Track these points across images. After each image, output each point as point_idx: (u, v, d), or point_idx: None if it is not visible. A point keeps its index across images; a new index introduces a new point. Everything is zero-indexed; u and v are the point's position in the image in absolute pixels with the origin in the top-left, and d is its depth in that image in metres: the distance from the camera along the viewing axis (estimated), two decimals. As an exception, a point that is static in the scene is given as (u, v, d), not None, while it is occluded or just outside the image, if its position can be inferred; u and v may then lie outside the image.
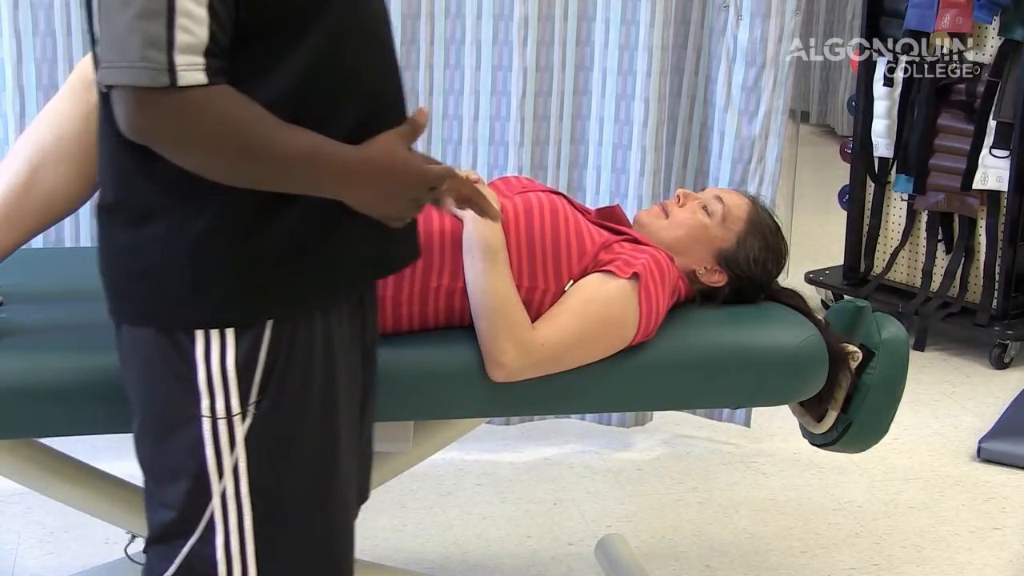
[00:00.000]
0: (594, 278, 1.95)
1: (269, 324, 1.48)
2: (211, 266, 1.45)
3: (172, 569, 1.55)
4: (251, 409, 1.49)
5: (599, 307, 1.92)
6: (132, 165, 1.45)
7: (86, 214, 2.91)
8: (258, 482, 1.52)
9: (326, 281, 1.52)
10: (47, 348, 1.80)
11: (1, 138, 2.85)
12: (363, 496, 1.77)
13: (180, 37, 1.32)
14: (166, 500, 1.55)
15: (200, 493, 1.51)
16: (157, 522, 1.56)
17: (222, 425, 1.49)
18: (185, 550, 1.54)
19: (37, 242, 2.57)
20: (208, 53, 1.34)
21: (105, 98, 1.40)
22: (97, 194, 1.56)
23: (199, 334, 1.47)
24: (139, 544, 2.13)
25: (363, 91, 1.50)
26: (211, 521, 1.52)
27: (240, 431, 1.50)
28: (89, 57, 1.86)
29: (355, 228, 1.51)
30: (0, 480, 2.09)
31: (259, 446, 1.51)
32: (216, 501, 1.52)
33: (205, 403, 1.49)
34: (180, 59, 1.32)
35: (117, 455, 2.76)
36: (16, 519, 2.76)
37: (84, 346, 1.80)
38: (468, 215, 1.91)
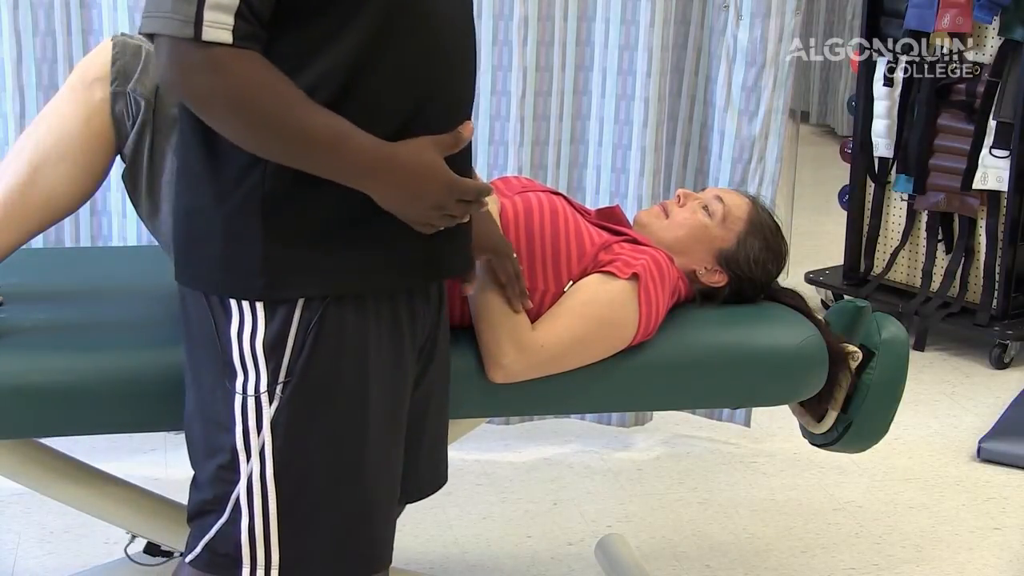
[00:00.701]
0: (594, 279, 1.95)
1: (299, 304, 1.51)
2: (244, 237, 1.49)
3: (199, 547, 1.59)
4: (278, 391, 1.52)
5: (599, 308, 1.92)
6: (190, 129, 1.51)
7: (86, 214, 2.92)
8: (282, 466, 1.54)
9: (358, 270, 1.53)
10: (47, 348, 1.80)
11: (1, 138, 2.85)
12: (422, 492, 1.81)
13: None
14: (201, 478, 1.59)
15: (230, 472, 1.55)
16: (196, 499, 1.60)
17: (252, 403, 1.52)
18: (213, 530, 1.57)
19: (37, 242, 2.57)
20: (239, 15, 1.38)
21: None
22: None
23: (234, 307, 1.51)
24: (139, 544, 2.14)
25: (413, 93, 1.51)
26: (237, 503, 1.55)
27: (267, 413, 1.53)
28: (89, 57, 1.87)
29: (395, 223, 1.52)
30: (0, 480, 2.09)
31: (284, 430, 1.53)
32: (243, 483, 1.54)
33: (240, 379, 1.53)
34: (209, 15, 1.37)
35: (117, 455, 2.77)
36: (16, 519, 2.76)
37: (84, 346, 1.80)
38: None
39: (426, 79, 1.52)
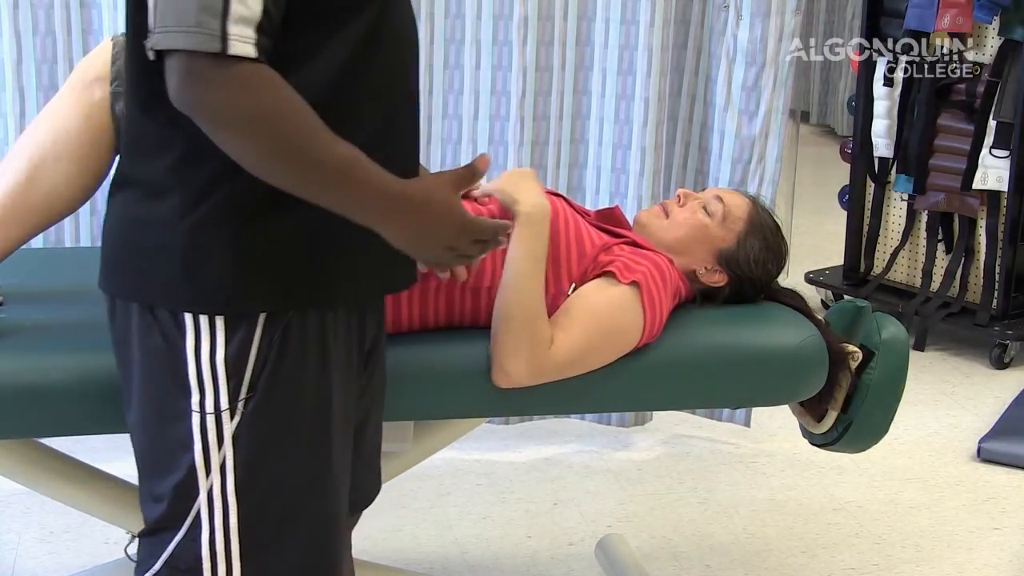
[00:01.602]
0: (597, 286, 1.94)
1: (261, 319, 1.47)
2: (208, 251, 1.45)
3: (158, 564, 1.55)
4: (240, 406, 1.49)
5: (606, 319, 1.91)
6: (152, 139, 1.45)
7: (86, 214, 2.91)
8: (244, 481, 1.51)
9: (321, 285, 1.50)
10: (47, 348, 1.80)
11: (1, 138, 2.85)
12: (365, 501, 1.78)
13: (235, 7, 1.32)
14: (156, 493, 1.55)
15: (188, 488, 1.51)
16: (148, 515, 1.56)
17: (211, 421, 1.49)
18: (172, 545, 1.54)
19: (37, 242, 2.57)
20: (260, 29, 1.34)
21: (141, 67, 1.41)
22: (115, 165, 1.57)
23: (189, 323, 1.47)
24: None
25: (397, 89, 1.50)
26: (197, 517, 1.52)
27: (228, 428, 1.49)
28: (89, 57, 1.88)
29: (358, 239, 1.48)
30: (0, 480, 2.09)
31: (247, 444, 1.50)
32: (203, 497, 1.51)
33: (195, 398, 1.49)
34: (233, 29, 1.32)
35: (117, 455, 2.76)
36: (16, 519, 2.76)
37: (84, 346, 1.80)
38: (517, 210, 1.90)
39: (399, 86, 1.52)
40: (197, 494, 1.51)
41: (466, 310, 1.95)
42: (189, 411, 1.49)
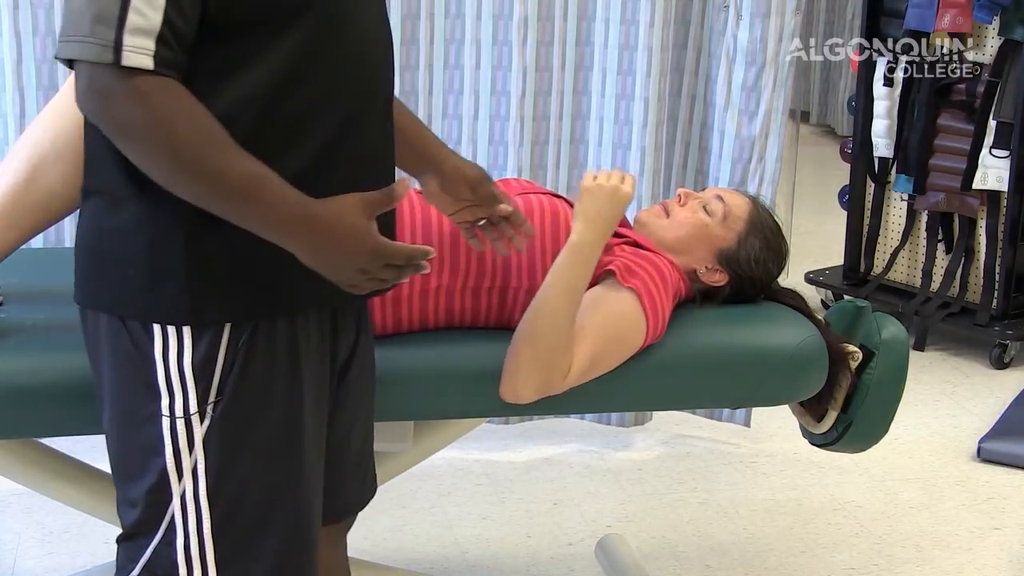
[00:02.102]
0: (599, 296, 1.93)
1: (227, 325, 1.47)
2: (169, 261, 1.44)
3: (136, 570, 1.55)
4: (209, 410, 1.48)
5: (612, 332, 1.90)
6: (105, 149, 1.44)
7: (86, 214, 2.91)
8: (216, 485, 1.50)
9: (283, 293, 1.49)
10: (47, 348, 1.80)
11: (1, 138, 2.85)
12: (358, 505, 1.77)
13: (132, 18, 1.31)
14: (131, 498, 1.54)
15: (161, 493, 1.50)
16: (124, 520, 1.56)
17: (180, 425, 1.48)
18: (148, 551, 1.53)
19: (37, 242, 2.57)
20: (160, 40, 1.33)
21: None
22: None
23: (157, 330, 1.46)
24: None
25: (339, 110, 1.47)
26: (172, 522, 1.51)
27: (199, 432, 1.48)
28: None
29: None
30: (0, 480, 2.09)
31: (217, 448, 1.49)
32: (176, 502, 1.50)
33: (165, 401, 1.48)
34: (128, 39, 1.31)
35: (117, 455, 2.77)
36: (16, 519, 2.76)
37: (84, 346, 1.80)
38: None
39: (352, 94, 1.48)
40: (170, 499, 1.50)
41: (466, 311, 1.95)
42: (159, 415, 1.48)
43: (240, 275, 1.46)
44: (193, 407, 1.48)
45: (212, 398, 1.48)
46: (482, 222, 1.83)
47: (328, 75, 1.45)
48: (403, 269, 1.46)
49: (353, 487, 1.75)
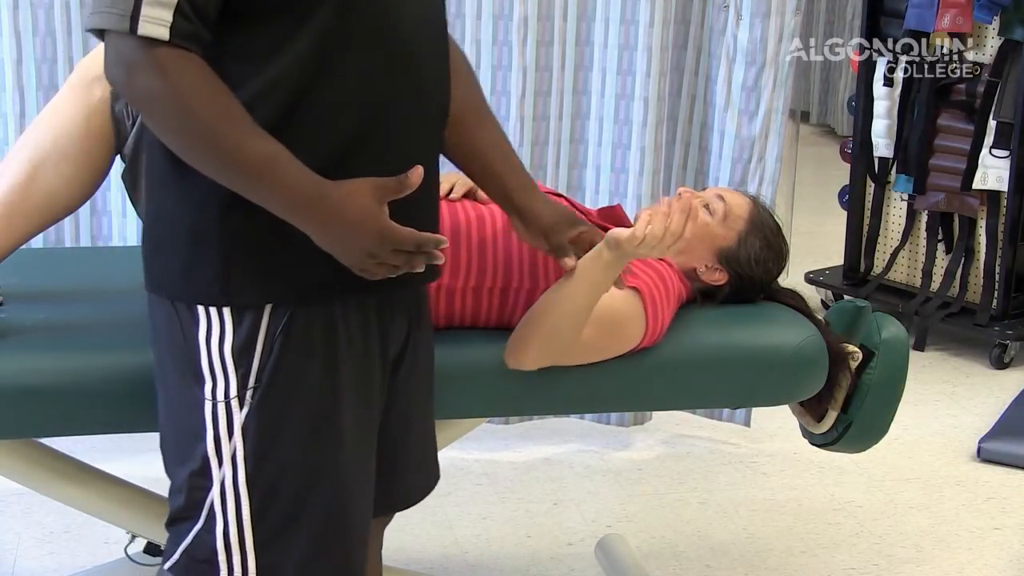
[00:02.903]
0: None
1: (266, 311, 1.49)
2: (205, 243, 1.48)
3: (177, 553, 1.58)
4: (248, 396, 1.51)
5: (609, 324, 1.90)
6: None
7: (86, 214, 2.92)
8: (254, 471, 1.53)
9: (319, 279, 1.51)
10: (47, 348, 1.80)
11: (1, 138, 2.85)
12: (410, 500, 1.80)
13: None
14: (177, 483, 1.58)
15: (203, 478, 1.54)
16: (172, 506, 1.59)
17: (221, 410, 1.51)
18: (190, 536, 1.56)
19: (37, 242, 2.57)
20: (179, 11, 1.36)
21: None
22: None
23: (201, 313, 1.50)
24: (139, 544, 2.14)
25: (372, 101, 1.48)
26: (212, 509, 1.54)
27: (238, 418, 1.52)
28: (89, 57, 1.87)
29: None
30: (0, 480, 2.09)
31: (255, 435, 1.52)
32: (216, 488, 1.53)
33: (208, 386, 1.51)
34: (147, 10, 1.35)
35: (117, 455, 2.77)
36: (16, 519, 2.76)
37: (84, 346, 1.80)
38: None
39: (387, 86, 1.49)
40: (211, 485, 1.53)
41: (467, 311, 1.95)
42: (203, 399, 1.52)
43: (274, 258, 1.49)
44: (233, 392, 1.51)
45: (251, 384, 1.51)
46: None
47: (357, 68, 1.46)
48: (413, 256, 1.48)
49: (413, 481, 1.78)
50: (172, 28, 1.36)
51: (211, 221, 1.47)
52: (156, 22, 1.35)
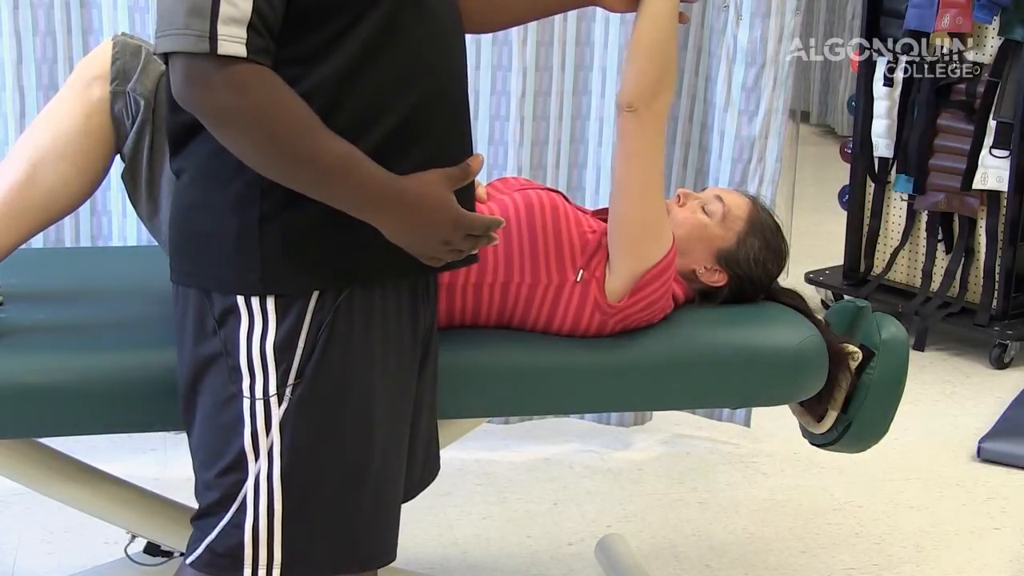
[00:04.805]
0: None
1: (311, 305, 1.51)
2: (245, 235, 1.50)
3: (201, 548, 1.59)
4: (287, 393, 1.52)
5: (656, 222, 1.92)
6: (187, 135, 1.52)
7: (86, 214, 2.91)
8: (291, 467, 1.54)
9: (366, 264, 1.54)
10: (47, 348, 1.80)
11: (1, 138, 2.85)
12: (416, 489, 1.82)
13: (224, 8, 1.37)
14: (209, 480, 1.58)
15: (238, 472, 1.55)
16: (201, 501, 1.60)
17: (260, 406, 1.52)
18: (216, 531, 1.57)
19: (37, 242, 2.57)
20: (251, 27, 1.38)
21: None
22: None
23: (242, 308, 1.51)
24: (139, 544, 2.14)
25: (418, 85, 1.51)
26: (243, 502, 1.55)
27: (276, 415, 1.53)
28: (89, 57, 1.88)
29: None
30: (0, 480, 2.09)
31: (292, 432, 1.53)
32: (250, 482, 1.54)
33: (246, 382, 1.53)
34: (223, 29, 1.37)
35: (117, 455, 2.77)
36: (16, 519, 2.76)
37: (84, 346, 1.80)
38: None
39: (429, 71, 1.53)
40: (246, 478, 1.54)
41: (467, 308, 1.95)
42: (241, 396, 1.53)
43: (314, 248, 1.51)
44: (273, 388, 1.52)
45: (291, 380, 1.52)
46: None
47: (406, 54, 1.50)
48: (479, 239, 1.54)
49: (421, 467, 1.80)
50: (248, 44, 1.38)
51: (256, 214, 1.49)
52: (233, 40, 1.37)
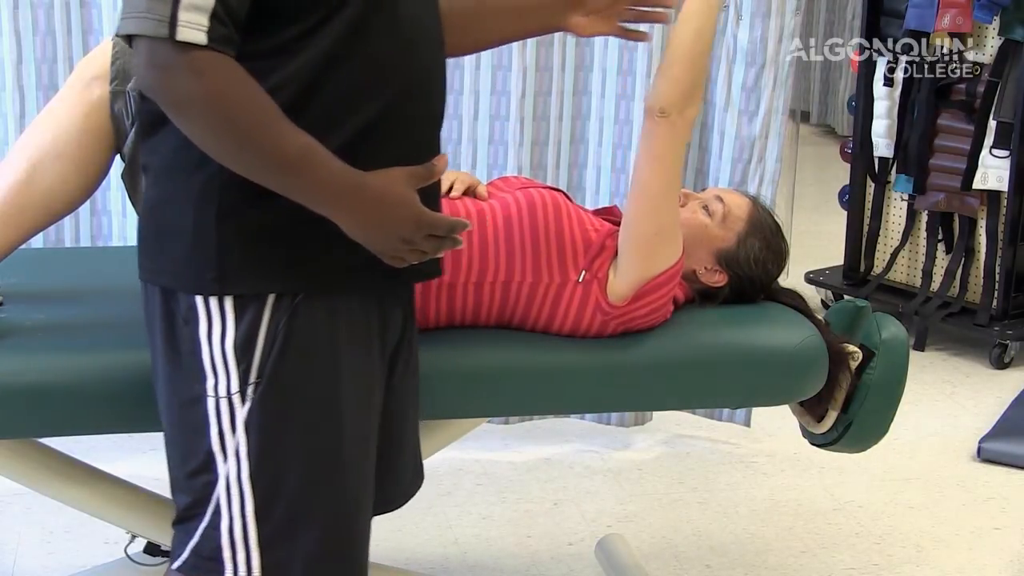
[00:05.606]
0: None
1: (268, 304, 1.50)
2: (204, 234, 1.48)
3: (186, 552, 1.58)
4: (250, 392, 1.51)
5: (669, 227, 1.95)
6: (156, 122, 1.50)
7: (86, 214, 2.92)
8: (257, 467, 1.53)
9: (324, 269, 1.52)
10: (47, 348, 1.80)
11: (1, 138, 2.85)
12: (404, 498, 1.81)
13: None
14: (181, 480, 1.58)
15: (208, 475, 1.54)
16: (178, 503, 1.59)
17: (224, 405, 1.51)
18: (197, 534, 1.57)
19: (37, 242, 2.57)
20: (214, 16, 1.38)
21: None
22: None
23: (200, 308, 1.50)
24: (139, 544, 2.14)
25: (385, 90, 1.50)
26: (218, 505, 1.54)
27: (240, 414, 1.52)
28: (89, 57, 1.88)
29: None
30: (0, 480, 2.09)
31: (257, 431, 1.52)
32: (221, 484, 1.53)
33: (210, 382, 1.52)
34: (183, 15, 1.37)
35: (117, 455, 2.77)
36: (16, 519, 2.76)
37: (84, 346, 1.80)
38: None
39: (400, 76, 1.52)
40: (216, 480, 1.53)
41: (468, 307, 1.95)
42: (205, 395, 1.52)
43: (273, 249, 1.49)
44: (235, 387, 1.51)
45: (253, 379, 1.51)
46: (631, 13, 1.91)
47: (374, 59, 1.49)
48: (443, 241, 1.51)
49: (406, 476, 1.79)
50: (209, 32, 1.37)
51: (214, 211, 1.47)
52: (193, 27, 1.37)
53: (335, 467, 1.57)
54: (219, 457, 1.53)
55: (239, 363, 1.50)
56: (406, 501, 1.82)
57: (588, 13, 1.87)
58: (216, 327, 1.50)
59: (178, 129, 1.44)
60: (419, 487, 1.84)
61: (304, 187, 1.44)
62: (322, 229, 1.48)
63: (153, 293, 1.56)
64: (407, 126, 1.54)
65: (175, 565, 1.60)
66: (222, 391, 1.51)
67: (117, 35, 1.43)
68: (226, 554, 1.55)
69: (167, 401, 1.58)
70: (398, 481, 1.76)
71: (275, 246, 1.49)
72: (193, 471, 1.55)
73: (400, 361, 1.68)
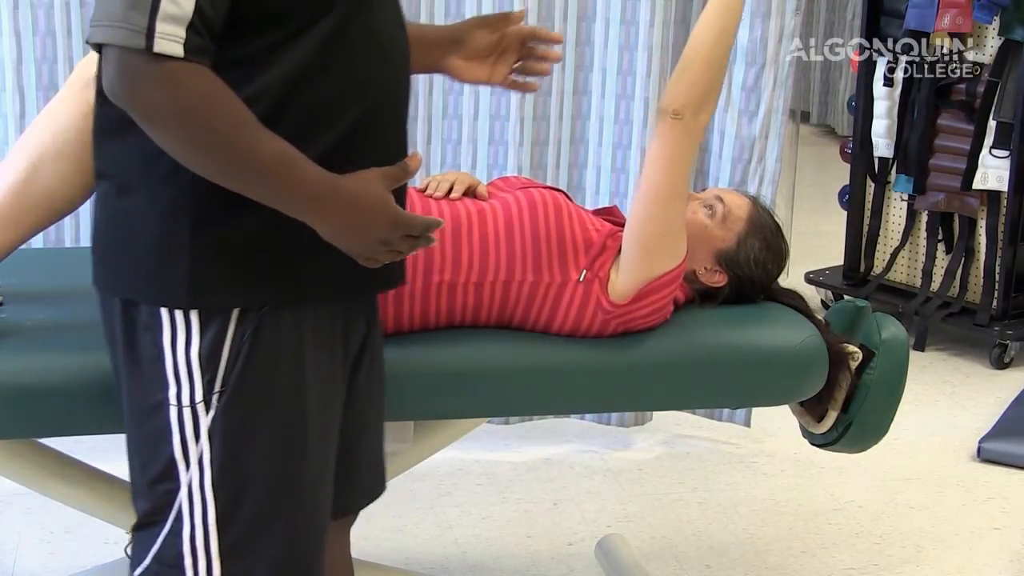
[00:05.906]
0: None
1: (234, 315, 1.48)
2: (174, 246, 1.46)
3: (148, 559, 1.56)
4: (214, 400, 1.49)
5: (676, 229, 1.96)
6: (117, 131, 1.47)
7: (86, 214, 2.91)
8: (220, 476, 1.51)
9: (292, 282, 1.51)
10: (47, 348, 1.80)
11: (1, 138, 2.85)
12: (367, 500, 1.78)
13: (165, 5, 1.34)
14: (143, 487, 1.56)
15: (170, 482, 1.52)
16: (138, 510, 1.58)
17: (187, 414, 1.50)
18: (159, 541, 1.55)
19: (37, 242, 2.57)
20: (191, 28, 1.35)
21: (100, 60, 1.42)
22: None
23: (164, 316, 1.48)
24: (139, 544, 2.14)
25: (361, 99, 1.49)
26: (179, 512, 1.53)
27: (204, 422, 1.50)
28: (89, 56, 1.87)
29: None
30: (0, 480, 2.09)
31: (221, 439, 1.50)
32: (183, 492, 1.52)
33: (172, 390, 1.50)
34: (160, 26, 1.34)
35: (117, 455, 2.75)
36: (16, 519, 2.76)
37: (84, 346, 1.80)
38: None
39: (374, 88, 1.51)
40: (178, 488, 1.52)
41: (468, 307, 1.95)
42: (167, 403, 1.50)
43: (244, 262, 1.47)
44: (199, 396, 1.49)
45: (217, 388, 1.49)
46: (518, 64, 1.88)
47: (351, 69, 1.48)
48: (417, 240, 1.50)
49: (366, 482, 1.76)
50: (185, 44, 1.35)
51: (182, 224, 1.45)
52: (171, 39, 1.34)
53: (299, 476, 1.56)
54: (181, 465, 1.51)
55: (204, 372, 1.48)
56: (364, 506, 1.79)
57: (468, 57, 1.85)
58: (180, 336, 1.48)
59: (146, 138, 1.41)
60: (376, 497, 1.81)
61: (281, 193, 1.42)
62: (293, 241, 1.47)
63: (112, 303, 1.53)
64: (380, 136, 1.53)
65: (137, 571, 1.58)
66: (185, 400, 1.49)
67: (87, 42, 1.39)
68: (187, 561, 1.53)
69: (127, 408, 1.56)
70: (358, 482, 1.73)
71: (247, 259, 1.47)
72: (154, 479, 1.53)
73: (362, 368, 1.67)
